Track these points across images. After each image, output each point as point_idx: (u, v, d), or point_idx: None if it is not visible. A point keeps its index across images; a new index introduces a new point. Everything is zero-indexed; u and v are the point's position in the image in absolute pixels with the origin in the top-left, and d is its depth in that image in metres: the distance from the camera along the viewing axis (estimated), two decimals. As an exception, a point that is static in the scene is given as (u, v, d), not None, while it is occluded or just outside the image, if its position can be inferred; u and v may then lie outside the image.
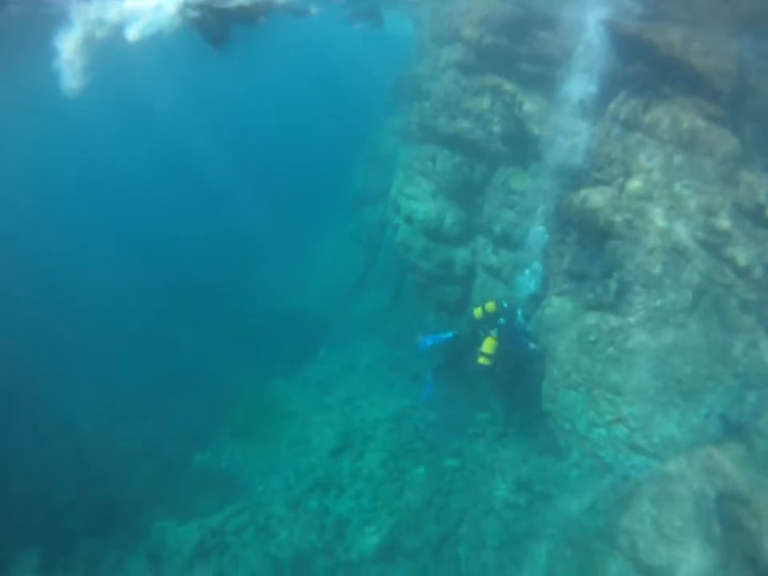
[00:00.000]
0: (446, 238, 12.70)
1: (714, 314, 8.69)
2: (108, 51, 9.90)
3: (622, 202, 9.62)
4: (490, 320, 10.52)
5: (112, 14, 9.75)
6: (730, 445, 7.76)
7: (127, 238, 15.69)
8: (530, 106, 10.80)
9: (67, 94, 10.12)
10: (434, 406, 11.67)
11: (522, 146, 11.26)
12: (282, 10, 10.25)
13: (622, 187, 9.67)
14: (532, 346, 10.40)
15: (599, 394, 9.60)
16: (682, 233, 9.00)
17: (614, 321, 9.60)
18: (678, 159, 9.16)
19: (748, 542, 6.64)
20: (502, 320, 10.43)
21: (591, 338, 9.81)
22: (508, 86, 11.24)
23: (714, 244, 8.76)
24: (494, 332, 10.32)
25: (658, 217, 9.25)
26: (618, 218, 9.55)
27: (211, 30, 9.29)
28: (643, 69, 9.27)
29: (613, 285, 9.58)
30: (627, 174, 9.62)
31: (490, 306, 10.60)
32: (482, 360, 10.20)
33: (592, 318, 9.83)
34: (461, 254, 12.67)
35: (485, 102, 11.68)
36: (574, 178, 10.00)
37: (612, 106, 9.62)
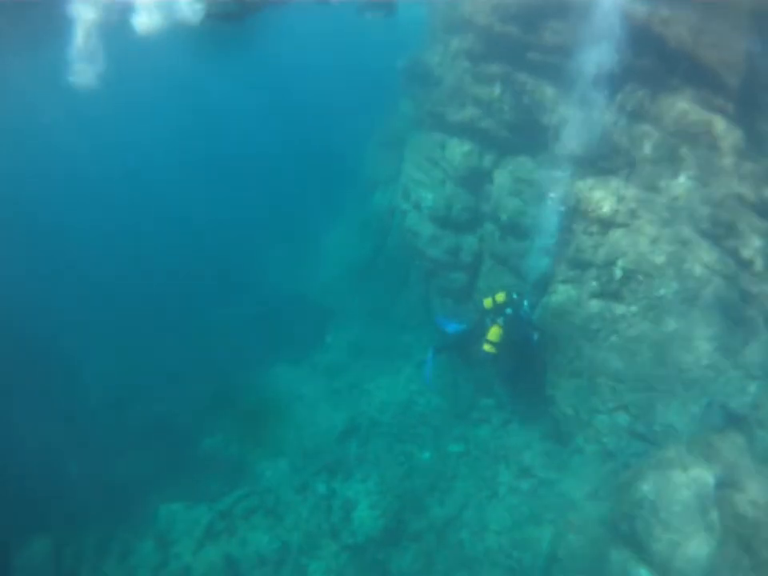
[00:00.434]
0: (454, 224, 12.76)
1: (716, 304, 8.77)
2: (117, 41, 9.96)
3: (627, 191, 9.68)
4: (497, 310, 10.69)
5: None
6: (730, 434, 7.87)
7: (138, 219, 15.78)
8: (539, 95, 10.81)
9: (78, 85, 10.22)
10: (439, 392, 11.85)
11: (530, 135, 11.29)
12: None
13: (627, 177, 9.74)
14: (536, 336, 10.54)
15: (602, 381, 9.73)
16: (686, 223, 9.07)
17: (617, 309, 9.70)
18: (683, 150, 9.20)
19: (746, 530, 6.77)
20: (509, 310, 10.58)
21: (594, 325, 9.91)
22: (518, 75, 11.22)
23: (717, 235, 8.84)
24: (500, 320, 10.48)
25: (662, 207, 9.33)
26: (622, 208, 9.63)
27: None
28: (652, 60, 9.27)
29: (617, 273, 9.67)
30: (633, 164, 9.68)
31: (500, 296, 10.75)
32: (486, 347, 10.37)
33: (595, 306, 9.92)
34: (468, 241, 12.73)
35: (495, 90, 11.66)
36: (581, 167, 10.06)
37: (620, 96, 9.63)
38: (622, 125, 9.67)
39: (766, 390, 8.37)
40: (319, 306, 14.44)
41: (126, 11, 9.35)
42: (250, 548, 9.47)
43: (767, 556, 6.51)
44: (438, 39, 13.06)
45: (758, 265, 8.44)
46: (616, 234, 9.70)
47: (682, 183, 9.17)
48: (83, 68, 10.48)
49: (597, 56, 9.37)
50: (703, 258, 8.87)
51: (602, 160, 9.88)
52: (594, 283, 9.94)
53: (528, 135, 11.37)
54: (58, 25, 10.15)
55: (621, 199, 9.64)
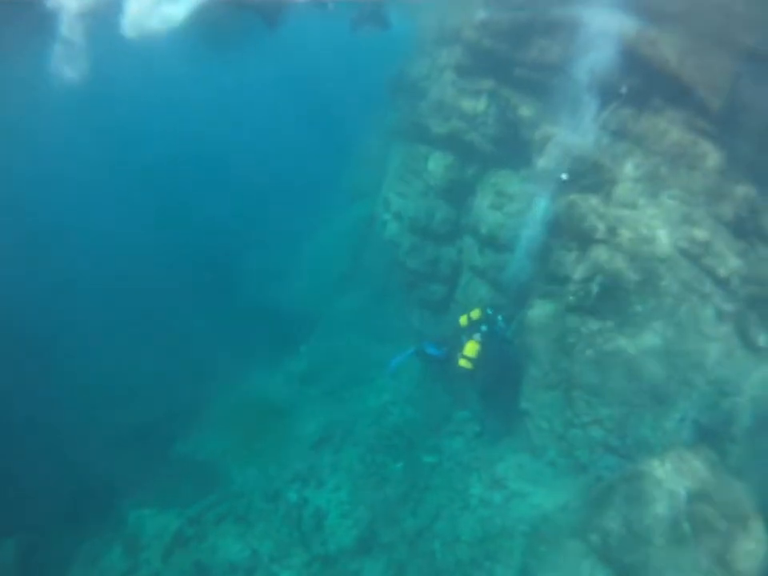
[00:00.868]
0: (434, 236, 12.83)
1: (691, 321, 8.94)
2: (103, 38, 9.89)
3: (607, 208, 9.84)
4: (473, 326, 10.77)
5: None
6: (703, 449, 8.01)
7: (117, 226, 15.55)
8: (524, 110, 10.98)
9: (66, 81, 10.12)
10: (413, 403, 11.84)
11: (514, 150, 11.44)
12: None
13: (608, 194, 9.90)
14: (512, 349, 10.62)
15: (577, 394, 9.82)
16: (665, 241, 9.24)
17: (593, 324, 9.83)
18: (664, 170, 9.41)
19: (718, 542, 6.87)
20: (484, 327, 10.67)
21: (571, 339, 10.03)
22: (504, 90, 11.40)
23: (694, 254, 9.02)
24: (476, 336, 10.53)
25: (641, 225, 9.50)
26: (602, 224, 9.78)
27: (268, 11, 9.50)
28: (637, 81, 9.48)
29: (594, 288, 9.81)
30: (614, 182, 9.84)
31: (475, 313, 10.87)
32: (462, 363, 10.41)
33: (572, 321, 10.05)
34: (448, 253, 12.81)
35: (480, 104, 11.81)
36: (563, 183, 10.21)
37: (603, 114, 9.82)
38: (605, 142, 9.84)
39: (737, 406, 8.53)
40: (296, 315, 14.34)
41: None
42: (220, 555, 9.29)
43: (740, 568, 6.61)
44: (425, 52, 13.21)
45: (734, 283, 8.63)
46: (595, 251, 9.85)
47: (662, 202, 9.36)
48: (68, 63, 10.41)
49: (582, 74, 9.58)
50: (681, 275, 9.04)
51: (583, 177, 10.02)
52: (572, 298, 10.06)
53: (511, 150, 11.51)
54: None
55: (601, 216, 9.79)
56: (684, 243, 9.12)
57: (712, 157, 9.07)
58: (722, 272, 8.75)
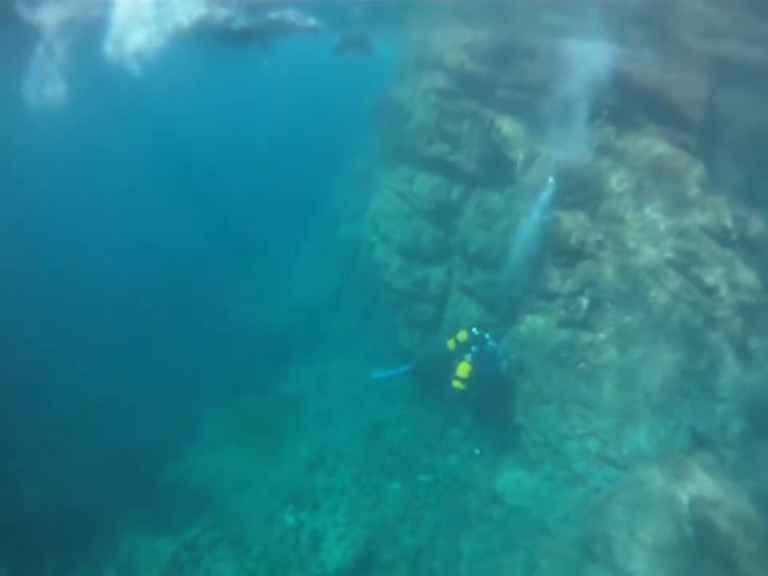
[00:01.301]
0: (422, 257, 12.97)
1: (681, 330, 9.14)
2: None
3: (593, 223, 10.11)
4: (462, 348, 10.89)
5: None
6: (700, 454, 8.11)
7: (101, 251, 15.34)
8: (507, 131, 11.25)
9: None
10: (407, 422, 11.81)
11: (498, 169, 11.68)
12: (296, 29, 10.58)
13: (594, 210, 10.16)
14: (504, 365, 10.70)
15: (571, 407, 9.94)
16: (651, 253, 9.50)
17: (585, 337, 10.01)
18: (648, 184, 9.70)
19: (721, 544, 6.92)
20: (474, 348, 10.78)
21: (563, 353, 10.18)
22: (487, 111, 11.68)
23: (681, 264, 9.27)
24: (467, 357, 10.61)
25: (628, 238, 9.76)
26: (589, 239, 10.03)
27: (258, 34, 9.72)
28: (618, 98, 9.82)
29: (584, 302, 10.01)
30: (599, 198, 10.11)
31: (462, 335, 11.00)
32: (456, 384, 10.51)
33: (564, 335, 10.22)
34: (436, 273, 12.93)
35: (464, 126, 12.10)
36: (549, 201, 10.44)
37: (586, 132, 10.11)
38: (589, 159, 10.12)
39: (731, 411, 8.70)
40: (285, 338, 14.26)
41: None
42: (215, 580, 9.08)
43: (744, 569, 6.66)
44: (407, 77, 13.49)
45: (722, 291, 8.86)
46: (583, 265, 10.07)
47: (647, 215, 9.63)
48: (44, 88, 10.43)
49: (564, 94, 9.89)
50: (668, 286, 9.27)
51: (569, 194, 10.27)
52: (562, 312, 10.25)
53: (496, 170, 11.76)
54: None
55: (588, 231, 10.04)
56: (670, 254, 9.37)
57: (694, 169, 9.38)
58: (709, 281, 8.98)
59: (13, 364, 11.22)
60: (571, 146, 10.10)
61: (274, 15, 9.98)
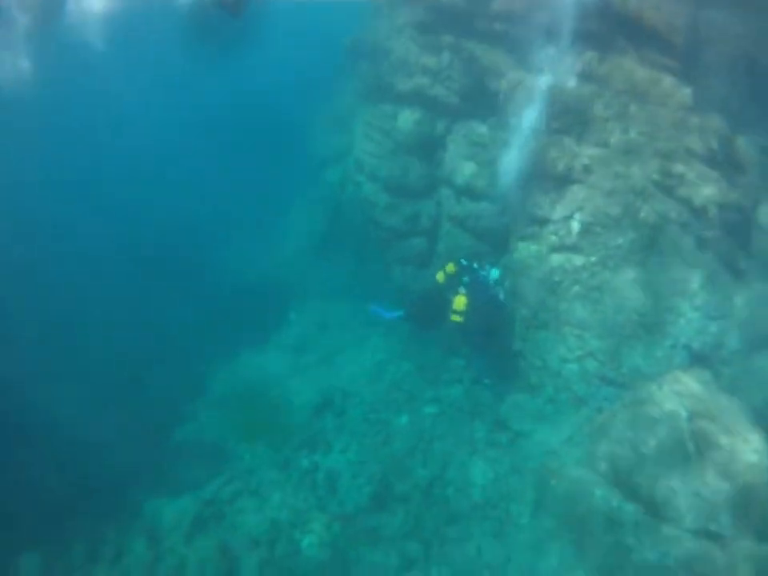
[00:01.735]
0: (410, 192, 12.90)
1: (672, 251, 9.29)
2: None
3: (580, 149, 10.04)
4: (453, 280, 10.96)
5: None
6: (697, 371, 8.41)
7: (93, 214, 14.97)
8: (488, 61, 11.00)
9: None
10: (408, 357, 12.06)
11: (481, 100, 11.50)
12: None
13: (579, 136, 10.08)
14: (502, 295, 10.84)
15: (567, 330, 10.15)
16: (639, 176, 9.51)
17: (577, 260, 10.10)
18: (632, 108, 9.61)
19: (722, 457, 7.29)
20: (465, 278, 10.85)
21: (556, 278, 10.29)
22: (467, 43, 11.39)
23: (669, 186, 9.31)
24: (462, 289, 10.71)
25: (615, 161, 9.73)
26: (576, 164, 10.00)
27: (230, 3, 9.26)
28: (599, 23, 9.57)
29: (575, 226, 10.07)
30: (584, 124, 10.01)
31: (450, 267, 11.06)
32: (454, 317, 10.64)
33: (556, 260, 10.31)
34: (426, 207, 12.90)
35: (443, 58, 11.80)
36: (533, 128, 10.32)
37: (568, 59, 9.90)
38: (572, 86, 9.96)
39: (725, 329, 8.97)
40: (280, 286, 14.29)
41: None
42: (240, 531, 9.32)
43: (745, 480, 7.05)
44: (382, 13, 13.04)
45: (710, 211, 8.95)
46: (572, 190, 10.07)
47: (633, 138, 9.58)
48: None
49: (543, 21, 9.61)
50: (657, 207, 9.34)
51: (554, 120, 10.15)
52: (554, 238, 10.32)
53: (478, 101, 11.57)
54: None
55: (575, 156, 9.99)
56: (657, 176, 9.39)
57: (679, 92, 9.30)
58: (697, 201, 9.05)
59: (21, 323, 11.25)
60: (554, 73, 9.90)
61: None
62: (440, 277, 11.13)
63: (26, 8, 9.48)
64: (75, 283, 12.65)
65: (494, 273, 10.96)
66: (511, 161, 10.65)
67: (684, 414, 7.84)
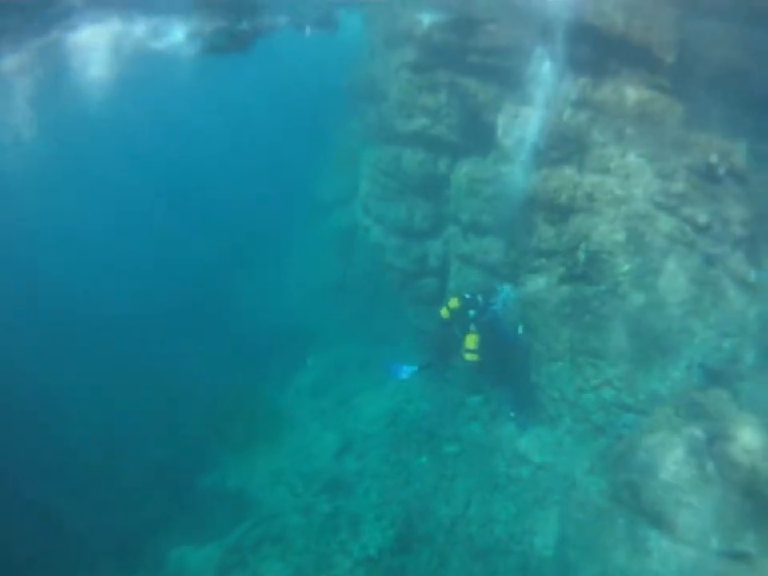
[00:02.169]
0: (418, 233, 13.04)
1: (680, 271, 9.22)
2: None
3: (580, 177, 10.11)
4: (460, 316, 10.89)
5: None
6: (714, 390, 8.27)
7: (107, 257, 15.40)
8: (483, 96, 11.20)
9: None
10: (425, 397, 12.03)
11: (480, 136, 11.64)
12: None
13: (580, 163, 10.16)
14: (520, 329, 10.80)
15: (582, 360, 10.06)
16: (641, 199, 9.52)
17: (586, 290, 10.06)
18: (629, 131, 9.68)
19: (744, 476, 7.11)
20: (471, 312, 10.80)
21: (567, 309, 10.26)
22: (461, 80, 11.63)
23: (672, 206, 9.30)
24: (472, 327, 10.69)
25: (616, 187, 9.78)
26: (578, 193, 10.05)
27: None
28: (589, 49, 9.73)
29: (581, 256, 10.07)
30: (583, 151, 10.10)
31: (454, 302, 11.00)
32: (468, 357, 10.58)
33: (566, 290, 10.28)
34: (434, 246, 13.01)
35: (440, 97, 12.05)
36: (533, 160, 10.46)
37: (562, 87, 10.06)
38: (569, 114, 10.10)
39: (740, 344, 8.83)
40: (296, 330, 14.45)
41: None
42: (265, 578, 9.34)
43: (768, 500, 6.86)
44: (378, 53, 13.41)
45: (715, 228, 8.91)
46: (576, 220, 10.11)
47: (632, 162, 9.64)
48: None
49: (534, 52, 9.84)
50: (662, 229, 9.33)
51: (553, 150, 10.27)
52: (561, 269, 10.32)
53: (478, 136, 11.72)
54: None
55: (576, 185, 10.06)
56: (660, 197, 9.40)
57: (674, 110, 9.34)
58: (701, 219, 9.03)
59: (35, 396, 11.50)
60: (548, 103, 10.07)
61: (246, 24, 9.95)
62: (444, 313, 11.10)
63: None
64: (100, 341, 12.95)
65: (506, 290, 10.95)
66: (513, 194, 10.77)
67: (703, 436, 7.69)
